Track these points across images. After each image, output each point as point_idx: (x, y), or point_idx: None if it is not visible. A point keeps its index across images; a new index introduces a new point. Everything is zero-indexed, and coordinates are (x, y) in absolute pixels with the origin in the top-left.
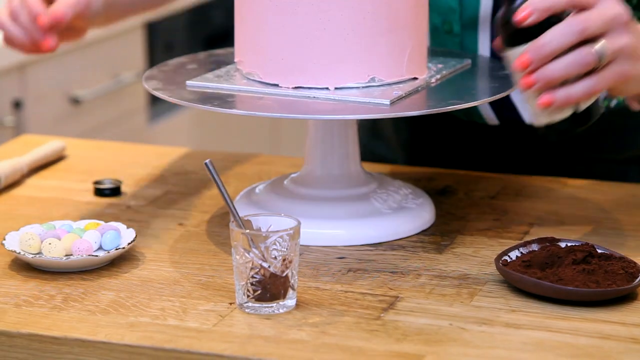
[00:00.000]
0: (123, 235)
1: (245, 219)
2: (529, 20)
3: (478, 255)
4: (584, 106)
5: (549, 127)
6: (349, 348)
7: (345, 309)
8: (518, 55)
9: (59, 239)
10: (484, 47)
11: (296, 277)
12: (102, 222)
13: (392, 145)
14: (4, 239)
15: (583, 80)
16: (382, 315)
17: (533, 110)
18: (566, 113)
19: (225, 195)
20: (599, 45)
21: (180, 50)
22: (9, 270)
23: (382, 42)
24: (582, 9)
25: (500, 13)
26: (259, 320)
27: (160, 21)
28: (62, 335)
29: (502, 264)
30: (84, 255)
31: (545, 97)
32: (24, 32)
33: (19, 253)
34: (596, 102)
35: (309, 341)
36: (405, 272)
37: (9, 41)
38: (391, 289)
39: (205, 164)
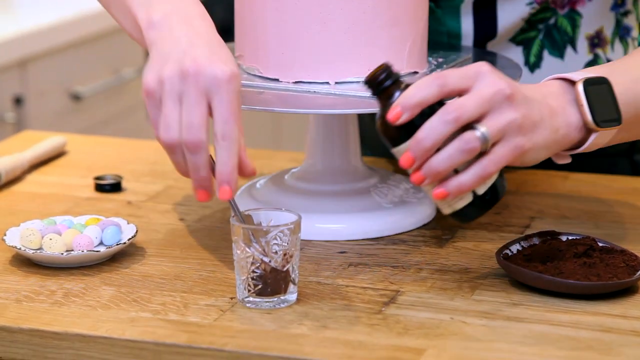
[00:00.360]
0: (124, 230)
1: (246, 213)
2: (401, 120)
3: (479, 249)
4: (482, 190)
5: (456, 214)
6: (350, 342)
7: (346, 304)
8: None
9: (60, 235)
10: (467, 26)
11: (297, 271)
12: (102, 218)
13: None
14: (5, 235)
15: (473, 166)
16: (383, 309)
17: (434, 201)
18: (467, 199)
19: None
20: (480, 129)
21: None
22: (9, 265)
23: (382, 36)
24: (458, 94)
25: (377, 114)
26: (260, 314)
27: None
28: (63, 331)
29: (503, 258)
30: (85, 251)
31: (438, 190)
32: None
33: (20, 249)
34: (500, 179)
35: (310, 335)
36: (406, 266)
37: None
38: (392, 283)
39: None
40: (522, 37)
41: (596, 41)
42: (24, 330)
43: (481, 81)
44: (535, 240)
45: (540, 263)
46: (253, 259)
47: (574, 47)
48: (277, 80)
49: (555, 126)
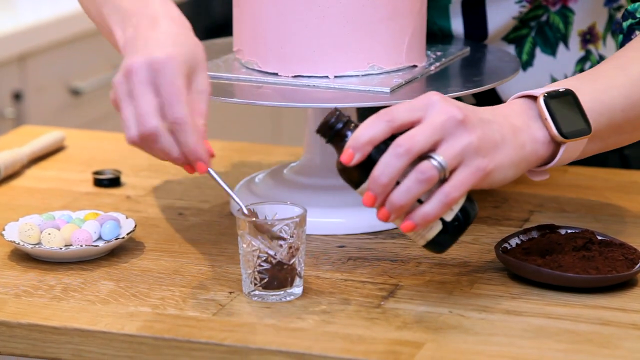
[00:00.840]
0: (122, 225)
1: (250, 207)
2: (354, 161)
3: (478, 242)
4: (450, 217)
5: (429, 245)
6: (349, 336)
7: (345, 298)
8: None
9: (59, 229)
10: (457, 26)
11: (303, 265)
12: (101, 212)
13: None
14: (4, 230)
15: (436, 194)
16: (382, 303)
17: (396, 225)
18: (436, 228)
19: (226, 188)
20: (435, 157)
21: None
22: (8, 260)
23: (381, 30)
24: (410, 127)
25: (336, 159)
26: (259, 309)
27: None
28: (61, 325)
29: (502, 252)
30: (84, 246)
31: (405, 224)
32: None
33: (19, 243)
34: (468, 202)
35: (309, 329)
36: (405, 260)
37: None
38: (391, 277)
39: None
40: (514, 35)
41: (588, 37)
42: (22, 325)
43: (431, 110)
44: (534, 234)
45: (539, 257)
46: (259, 252)
47: (566, 44)
48: (276, 74)
49: (519, 143)
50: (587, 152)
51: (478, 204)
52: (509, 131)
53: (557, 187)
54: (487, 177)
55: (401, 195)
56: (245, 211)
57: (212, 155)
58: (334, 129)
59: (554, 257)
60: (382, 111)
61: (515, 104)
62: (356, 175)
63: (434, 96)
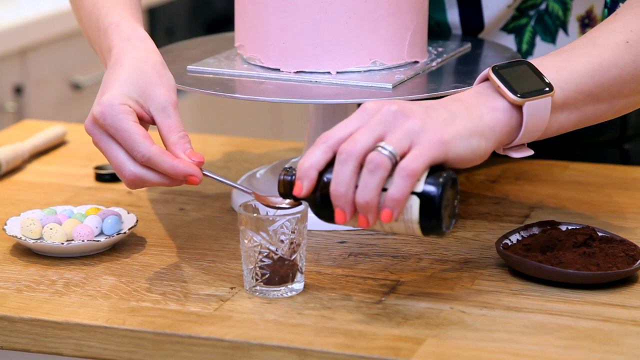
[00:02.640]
0: (124, 220)
1: (251, 203)
2: (304, 190)
3: (479, 239)
4: (420, 188)
5: (422, 226)
6: (350, 332)
7: (346, 293)
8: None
9: (60, 224)
10: (453, 18)
11: (304, 260)
12: (103, 207)
13: None
14: (5, 225)
15: (395, 172)
16: (383, 299)
17: (390, 228)
18: (415, 205)
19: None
20: (381, 145)
21: (181, 35)
22: (10, 255)
23: (383, 26)
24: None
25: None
26: (260, 304)
27: (161, 6)
28: (63, 320)
29: (502, 248)
30: (85, 241)
31: (383, 214)
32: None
33: (20, 238)
34: (438, 170)
35: (310, 325)
36: (406, 256)
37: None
38: (392, 273)
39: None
40: (513, 24)
41: (587, 21)
42: (24, 320)
43: (365, 115)
44: (535, 230)
45: (540, 253)
46: (261, 248)
47: (566, 31)
48: (278, 70)
49: (476, 115)
50: (566, 124)
51: (479, 200)
52: (460, 108)
53: (558, 183)
54: (446, 146)
55: (361, 192)
56: (253, 196)
57: (201, 162)
58: (290, 182)
59: (554, 254)
60: (319, 136)
61: (470, 89)
62: (327, 208)
63: (367, 104)
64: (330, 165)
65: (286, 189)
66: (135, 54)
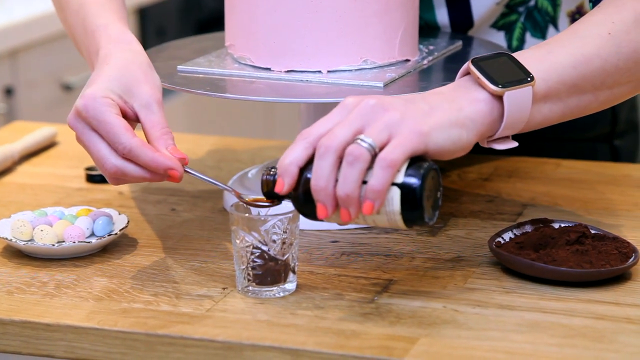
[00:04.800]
0: (115, 221)
1: (242, 203)
2: (285, 186)
3: (471, 237)
4: (400, 179)
5: (404, 216)
6: (343, 332)
7: (339, 293)
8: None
9: (51, 226)
10: (442, 17)
11: (296, 260)
12: (94, 209)
13: None
14: None
15: (375, 163)
16: (375, 298)
17: (373, 221)
18: (396, 196)
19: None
20: (360, 137)
21: (172, 35)
22: (0, 257)
23: (374, 24)
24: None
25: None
26: (253, 305)
27: (151, 6)
28: (54, 322)
29: (495, 246)
30: (76, 242)
31: (364, 207)
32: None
33: (11, 240)
34: (419, 160)
35: (303, 325)
36: (398, 255)
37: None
38: (385, 272)
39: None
40: (503, 21)
41: (577, 17)
42: (15, 322)
43: (344, 110)
44: (528, 228)
45: (533, 251)
46: (252, 248)
47: (556, 26)
48: (268, 69)
49: (456, 107)
50: (550, 115)
51: (471, 198)
52: (440, 100)
53: (550, 181)
54: (426, 137)
55: (342, 185)
56: (235, 195)
57: (182, 159)
58: (273, 182)
59: (547, 251)
60: (300, 133)
61: (451, 83)
62: (309, 205)
63: (346, 99)
64: (311, 162)
65: (269, 188)
66: (122, 55)
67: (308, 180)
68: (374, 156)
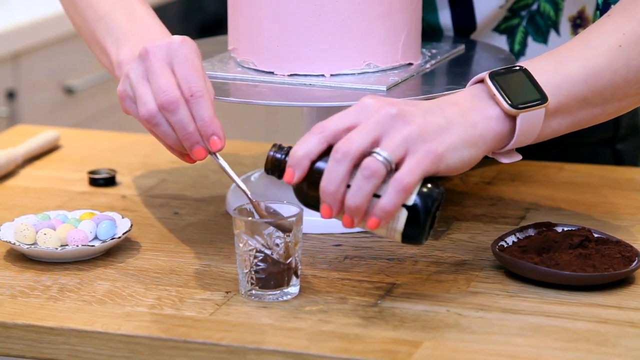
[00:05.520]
0: (118, 224)
1: (245, 207)
2: (295, 178)
3: (474, 241)
4: (410, 201)
5: (405, 238)
6: (346, 335)
7: (342, 297)
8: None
9: (54, 229)
10: (445, 20)
11: (300, 263)
12: (97, 212)
13: None
14: None
15: (390, 183)
16: (379, 302)
17: (382, 235)
18: (402, 217)
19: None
20: (377, 150)
21: None
22: (4, 261)
23: (377, 28)
24: (348, 132)
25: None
26: (256, 308)
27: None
28: (58, 326)
29: (498, 250)
30: (79, 246)
31: (369, 222)
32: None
33: (14, 244)
34: (429, 184)
35: (306, 329)
36: (402, 258)
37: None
38: (388, 275)
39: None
40: (505, 25)
41: (578, 22)
42: (19, 326)
43: (364, 112)
44: (531, 232)
45: (536, 254)
46: (256, 251)
47: (557, 31)
48: (272, 73)
49: (470, 123)
50: (558, 129)
51: (474, 202)
52: (456, 114)
53: (553, 184)
54: (439, 159)
55: (353, 196)
56: (251, 196)
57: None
58: (277, 160)
59: (550, 255)
60: (315, 125)
61: (464, 90)
62: (313, 197)
63: (366, 99)
64: (322, 155)
65: (274, 167)
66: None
67: (315, 173)
68: (389, 170)
